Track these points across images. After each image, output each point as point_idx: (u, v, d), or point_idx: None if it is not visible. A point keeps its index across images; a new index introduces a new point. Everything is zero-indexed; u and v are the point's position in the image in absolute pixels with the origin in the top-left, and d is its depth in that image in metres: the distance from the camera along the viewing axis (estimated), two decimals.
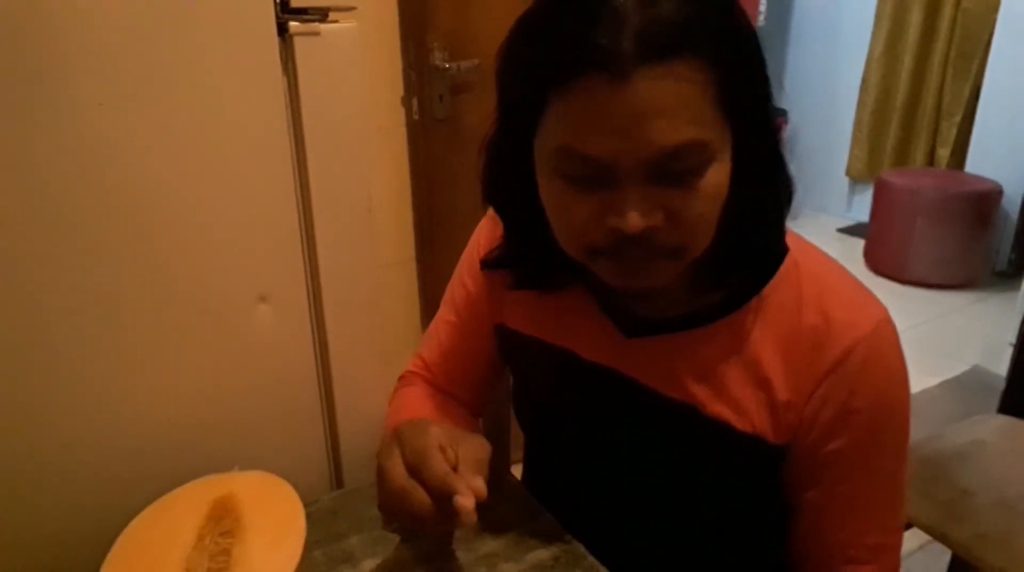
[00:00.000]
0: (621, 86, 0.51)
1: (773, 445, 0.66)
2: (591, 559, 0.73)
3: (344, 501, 0.83)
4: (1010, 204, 3.38)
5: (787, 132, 4.11)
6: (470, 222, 0.85)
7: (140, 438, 0.79)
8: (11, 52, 0.63)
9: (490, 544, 0.75)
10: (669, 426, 0.70)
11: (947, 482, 1.25)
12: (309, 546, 0.70)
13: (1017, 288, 2.88)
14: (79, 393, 0.74)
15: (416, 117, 1.62)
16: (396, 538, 0.76)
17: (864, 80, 3.96)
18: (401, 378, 0.90)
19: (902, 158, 3.96)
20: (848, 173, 4.19)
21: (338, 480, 0.95)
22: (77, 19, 0.65)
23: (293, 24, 0.77)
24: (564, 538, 0.76)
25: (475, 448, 0.62)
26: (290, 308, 0.85)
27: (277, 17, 0.75)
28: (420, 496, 0.57)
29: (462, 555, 0.74)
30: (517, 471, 0.93)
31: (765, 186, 0.62)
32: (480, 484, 0.57)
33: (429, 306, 1.62)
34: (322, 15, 0.79)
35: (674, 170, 0.55)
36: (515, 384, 0.88)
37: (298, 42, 0.77)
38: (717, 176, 0.57)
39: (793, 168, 0.64)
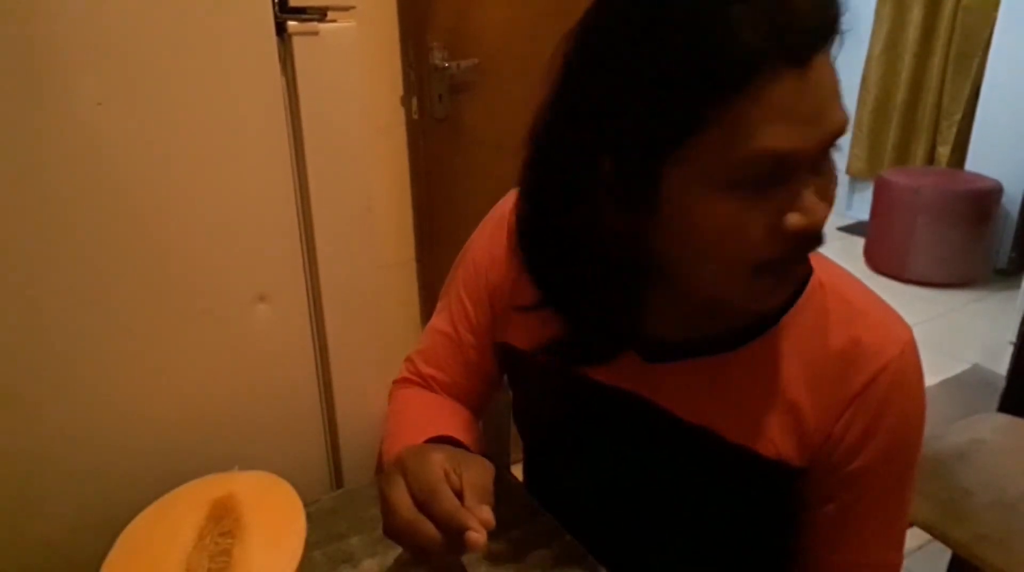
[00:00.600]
0: (805, 73, 0.49)
1: (796, 468, 0.65)
2: (591, 559, 0.73)
3: (344, 501, 0.83)
4: (1010, 202, 3.37)
5: None
6: (470, 222, 0.83)
7: (140, 438, 0.79)
8: (11, 52, 0.63)
9: (490, 544, 0.75)
10: (687, 450, 0.68)
11: (947, 482, 1.25)
12: (309, 546, 0.70)
13: (1017, 287, 2.88)
14: (79, 393, 0.74)
15: (416, 117, 1.62)
16: None
17: (864, 79, 3.95)
18: (396, 382, 0.88)
19: (902, 157, 3.96)
20: (848, 171, 4.19)
21: (338, 480, 0.95)
22: (77, 19, 0.65)
23: (292, 24, 0.77)
24: (564, 538, 0.76)
25: (479, 472, 0.61)
26: (290, 308, 0.85)
27: (276, 17, 0.75)
28: (429, 530, 0.56)
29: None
30: (517, 471, 0.93)
31: None
32: (488, 515, 0.56)
33: (429, 306, 1.61)
34: (321, 15, 0.79)
35: (827, 155, 0.54)
36: (516, 400, 0.86)
37: (297, 42, 0.77)
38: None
39: None
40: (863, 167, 4.09)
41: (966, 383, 2.58)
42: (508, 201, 0.79)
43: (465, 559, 0.73)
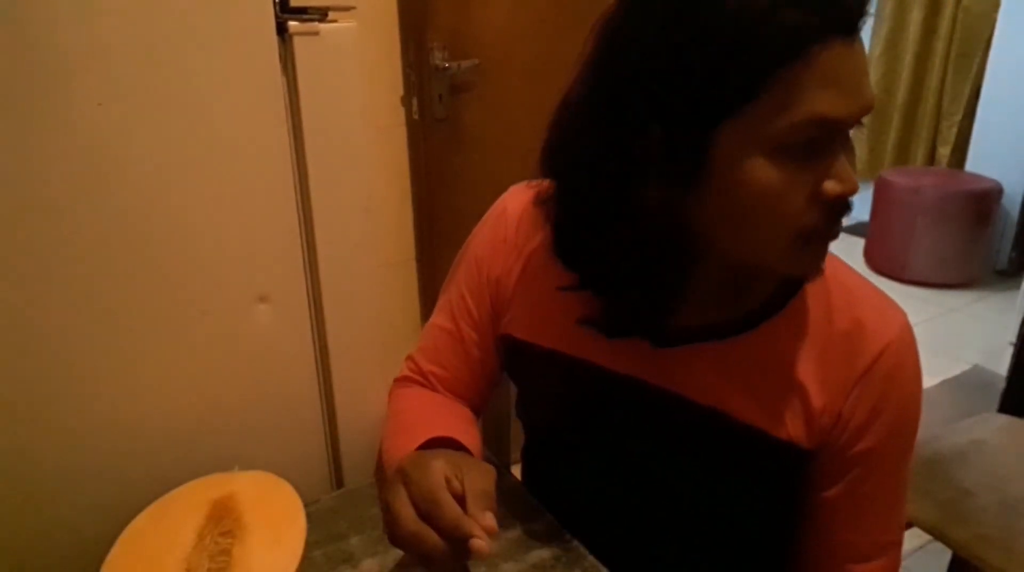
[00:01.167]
0: (851, 44, 0.52)
1: (806, 450, 0.67)
2: (591, 559, 0.73)
3: (344, 501, 0.83)
4: (1010, 203, 3.38)
5: None
6: (470, 222, 0.83)
7: (140, 438, 0.79)
8: (11, 52, 0.63)
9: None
10: (699, 434, 0.69)
11: (947, 482, 1.25)
12: (309, 546, 0.70)
13: (1017, 287, 2.88)
14: (79, 393, 0.74)
15: (416, 117, 1.62)
16: None
17: None
18: (396, 381, 0.88)
19: (902, 157, 3.96)
20: None
21: (338, 480, 0.95)
22: (77, 19, 0.65)
23: (292, 24, 0.77)
24: (564, 538, 0.76)
25: (481, 477, 0.61)
26: (290, 308, 0.85)
27: (276, 17, 0.75)
28: (433, 539, 0.56)
29: None
30: (517, 471, 0.93)
31: None
32: (491, 522, 0.57)
33: (429, 306, 1.62)
34: (321, 15, 0.79)
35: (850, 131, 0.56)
36: (520, 392, 0.86)
37: (297, 42, 0.77)
38: None
39: None
40: (863, 167, 4.08)
41: (966, 384, 2.58)
42: (509, 197, 0.80)
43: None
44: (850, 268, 0.70)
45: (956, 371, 2.64)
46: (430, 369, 0.83)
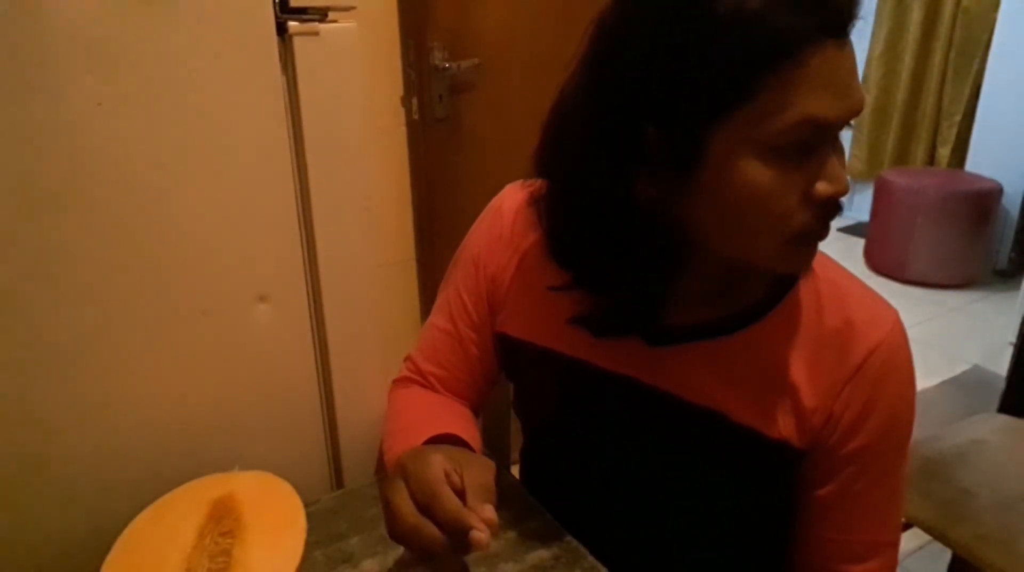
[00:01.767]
0: (843, 46, 0.53)
1: (798, 450, 0.67)
2: (591, 559, 0.73)
3: (344, 501, 0.83)
4: (1010, 203, 3.38)
5: None
6: (470, 222, 0.84)
7: (140, 438, 0.79)
8: (11, 52, 0.63)
9: (491, 543, 0.75)
10: (693, 433, 0.69)
11: (947, 482, 1.25)
12: (309, 546, 0.70)
13: (1017, 287, 2.88)
14: (79, 393, 0.74)
15: (416, 117, 1.62)
16: None
17: (864, 79, 3.95)
18: (395, 382, 0.88)
19: (902, 157, 3.96)
20: (848, 172, 4.19)
21: (338, 480, 0.95)
22: (77, 19, 0.65)
23: (292, 24, 0.77)
24: (564, 538, 0.76)
25: (480, 471, 0.61)
26: (290, 308, 0.85)
27: (276, 17, 0.75)
28: (432, 532, 0.56)
29: None
30: (516, 472, 0.93)
31: None
32: (491, 514, 0.56)
33: (429, 305, 1.62)
34: (321, 15, 0.79)
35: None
36: (517, 390, 0.86)
37: (297, 42, 0.77)
38: None
39: None
40: (863, 168, 4.09)
41: (966, 384, 2.58)
42: (504, 196, 0.80)
43: (466, 559, 0.73)
44: (841, 267, 0.70)
45: (956, 371, 2.64)
46: (429, 369, 0.83)
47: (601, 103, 0.59)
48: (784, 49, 0.51)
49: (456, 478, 0.59)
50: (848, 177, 0.58)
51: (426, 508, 0.57)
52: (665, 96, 0.55)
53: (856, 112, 0.55)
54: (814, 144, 0.55)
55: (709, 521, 0.74)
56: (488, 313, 0.80)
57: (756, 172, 0.55)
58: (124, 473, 0.78)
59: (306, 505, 0.73)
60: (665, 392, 0.69)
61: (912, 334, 0.66)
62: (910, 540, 0.70)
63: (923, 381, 2.57)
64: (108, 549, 0.67)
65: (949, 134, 3.72)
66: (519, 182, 0.79)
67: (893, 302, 0.68)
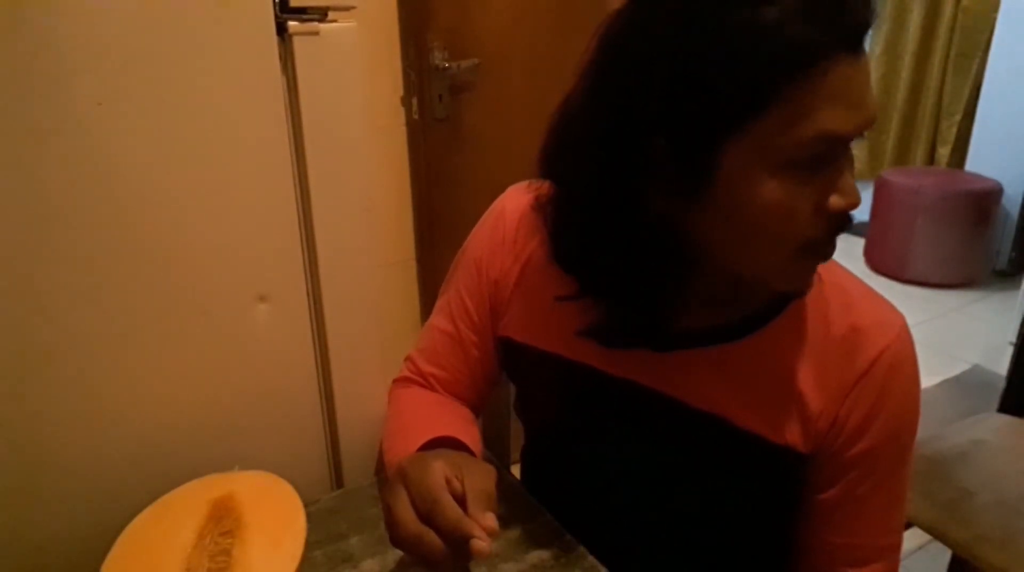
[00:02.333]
0: (857, 59, 0.52)
1: (803, 454, 0.67)
2: (591, 559, 0.73)
3: (344, 501, 0.83)
4: (1010, 203, 3.38)
5: None
6: (470, 222, 0.84)
7: (140, 438, 0.79)
8: (11, 52, 0.63)
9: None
10: (696, 438, 0.69)
11: (947, 482, 1.25)
12: (309, 546, 0.70)
13: (1017, 287, 2.88)
14: (79, 393, 0.74)
15: (416, 117, 1.62)
16: None
17: None
18: (395, 381, 0.88)
19: (902, 157, 3.96)
20: None
21: (338, 480, 0.95)
22: (77, 19, 0.65)
23: (292, 24, 0.77)
24: (564, 538, 0.76)
25: (481, 477, 0.61)
26: (290, 308, 0.85)
27: (276, 17, 0.75)
28: (433, 540, 0.56)
29: None
30: (517, 471, 0.93)
31: None
32: (492, 522, 0.56)
33: (429, 306, 1.62)
34: (321, 15, 0.79)
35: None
36: (519, 393, 0.86)
37: (297, 42, 0.77)
38: None
39: None
40: (863, 167, 4.08)
41: (966, 383, 2.58)
42: (506, 198, 0.80)
43: None
44: (847, 271, 0.70)
45: (956, 371, 2.64)
46: (429, 370, 0.83)
47: (610, 114, 0.58)
48: (800, 61, 0.50)
49: (457, 484, 0.59)
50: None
51: (427, 515, 0.57)
52: (675, 110, 0.54)
53: (870, 124, 0.54)
54: (827, 157, 0.54)
55: (712, 524, 0.74)
56: (489, 316, 0.79)
57: (769, 187, 0.54)
58: (124, 473, 0.78)
59: (306, 505, 0.73)
60: (669, 397, 0.69)
61: (912, 334, 0.66)
62: (910, 540, 0.70)
63: (923, 381, 2.56)
64: (108, 549, 0.67)
65: (949, 134, 3.72)
66: (522, 183, 0.79)
67: (893, 302, 0.68)
